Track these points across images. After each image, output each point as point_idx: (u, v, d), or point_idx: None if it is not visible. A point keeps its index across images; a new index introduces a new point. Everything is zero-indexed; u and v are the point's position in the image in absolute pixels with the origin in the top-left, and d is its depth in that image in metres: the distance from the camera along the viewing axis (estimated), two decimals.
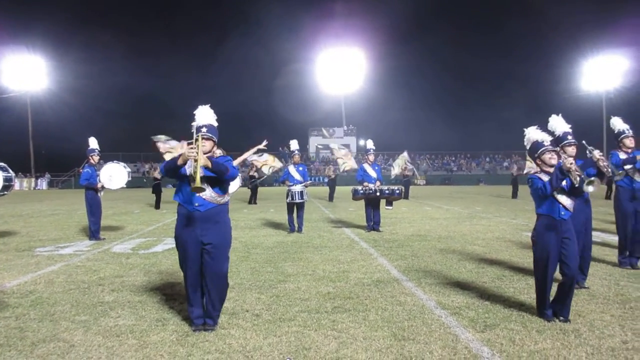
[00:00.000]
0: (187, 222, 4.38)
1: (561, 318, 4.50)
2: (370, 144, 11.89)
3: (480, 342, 4.01)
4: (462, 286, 5.86)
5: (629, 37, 59.61)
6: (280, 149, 60.88)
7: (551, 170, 4.57)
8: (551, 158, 4.62)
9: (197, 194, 4.23)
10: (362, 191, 11.29)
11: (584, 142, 6.05)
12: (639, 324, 4.38)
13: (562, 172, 4.39)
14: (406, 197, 23.25)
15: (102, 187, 10.53)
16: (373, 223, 11.41)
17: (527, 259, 7.49)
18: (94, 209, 10.43)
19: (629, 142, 6.91)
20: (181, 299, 5.38)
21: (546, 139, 4.73)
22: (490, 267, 6.98)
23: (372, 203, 11.35)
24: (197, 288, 4.45)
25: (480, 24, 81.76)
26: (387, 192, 11.37)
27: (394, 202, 12.07)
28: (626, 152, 6.93)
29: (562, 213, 4.54)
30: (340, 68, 62.36)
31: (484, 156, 62.97)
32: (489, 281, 6.10)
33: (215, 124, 4.61)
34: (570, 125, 5.70)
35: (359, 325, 4.44)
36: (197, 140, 4.26)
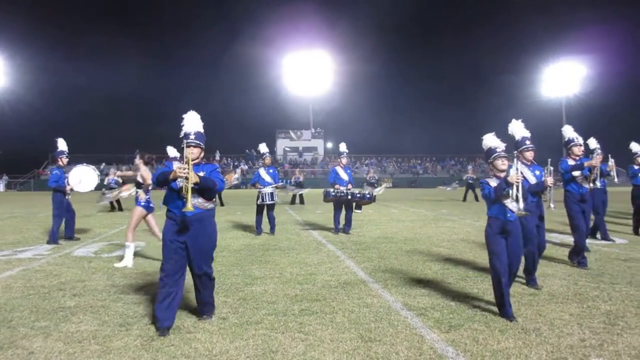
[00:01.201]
0: (175, 226, 4.56)
1: (511, 312, 4.73)
2: (342, 147, 11.98)
3: (445, 342, 4.07)
4: (427, 287, 5.95)
5: (587, 45, 61.84)
6: (247, 151, 60.61)
7: (502, 175, 4.91)
8: (502, 164, 4.95)
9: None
10: (333, 193, 11.37)
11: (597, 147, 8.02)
12: (596, 322, 4.53)
13: (507, 183, 4.76)
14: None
15: (71, 189, 10.42)
16: (344, 224, 11.50)
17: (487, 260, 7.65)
18: (61, 212, 10.30)
19: (577, 150, 7.33)
20: (146, 302, 5.29)
21: (500, 146, 5.02)
22: (455, 268, 7.10)
23: (343, 205, 11.47)
24: (172, 287, 4.47)
25: (447, 30, 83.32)
26: (358, 195, 11.50)
27: (363, 207, 12.17)
28: (574, 159, 7.34)
29: (509, 215, 4.85)
30: (308, 71, 62.55)
31: (449, 159, 64.12)
32: (453, 282, 6.21)
33: (202, 129, 4.80)
34: (529, 131, 6.10)
35: (326, 328, 4.45)
36: (187, 161, 4.40)
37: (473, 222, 13.99)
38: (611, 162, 8.90)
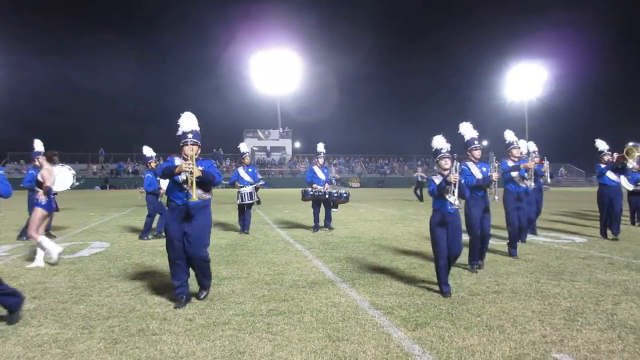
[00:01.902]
0: (177, 213, 5.23)
1: (447, 289, 5.61)
2: (320, 148, 12.19)
3: (412, 340, 4.12)
4: (394, 286, 6.01)
5: (549, 49, 63.68)
6: (215, 150, 59.94)
7: (445, 173, 5.66)
8: (445, 163, 5.71)
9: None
10: (311, 192, 11.69)
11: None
12: (557, 319, 4.67)
13: (446, 182, 5.54)
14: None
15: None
16: (325, 220, 11.95)
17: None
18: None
19: (516, 152, 8.13)
20: (110, 305, 5.18)
21: (445, 147, 5.78)
22: (421, 267, 7.20)
23: (321, 203, 11.83)
24: (179, 265, 5.24)
25: (415, 32, 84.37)
26: (335, 195, 11.78)
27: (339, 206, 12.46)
28: (513, 161, 8.08)
29: (449, 207, 5.60)
30: (275, 70, 62.25)
31: (416, 159, 64.95)
32: (420, 281, 6.29)
33: (198, 128, 5.38)
34: (477, 132, 6.88)
35: (293, 328, 4.45)
36: (191, 157, 5.10)
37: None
38: (546, 164, 10.24)
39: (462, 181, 5.81)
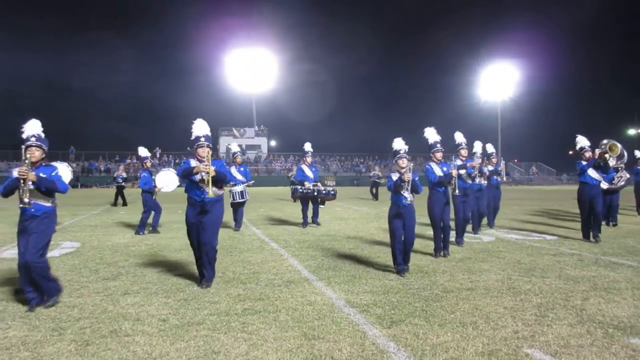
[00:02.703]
0: (195, 208, 5.99)
1: (407, 267, 6.68)
2: (308, 147, 12.62)
3: (387, 337, 4.15)
4: (370, 284, 6.03)
5: (521, 49, 64.84)
6: (189, 148, 59.34)
7: (402, 171, 6.49)
8: (402, 163, 6.61)
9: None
10: (301, 190, 12.21)
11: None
12: (528, 315, 4.75)
13: (401, 180, 6.42)
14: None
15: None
16: (312, 216, 12.48)
17: (430, 257, 7.87)
18: None
19: (464, 152, 9.14)
20: (80, 306, 5.08)
21: (403, 147, 6.69)
22: None
23: (310, 200, 12.38)
24: (197, 252, 6.08)
25: (390, 31, 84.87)
26: (323, 192, 12.41)
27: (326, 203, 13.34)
28: (461, 160, 9.03)
29: (404, 201, 6.44)
30: (251, 68, 61.86)
31: (391, 158, 65.41)
32: (395, 279, 6.33)
33: (209, 132, 6.14)
34: (440, 136, 7.98)
35: (269, 327, 4.43)
36: (207, 159, 5.85)
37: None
38: (502, 164, 11.54)
39: (416, 179, 6.54)
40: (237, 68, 62.38)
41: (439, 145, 7.96)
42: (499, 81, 66.60)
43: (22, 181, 4.83)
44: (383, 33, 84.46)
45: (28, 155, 4.94)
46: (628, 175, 12.91)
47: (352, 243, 9.53)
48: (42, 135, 5.16)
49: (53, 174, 5.08)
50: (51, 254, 8.21)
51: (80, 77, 64.71)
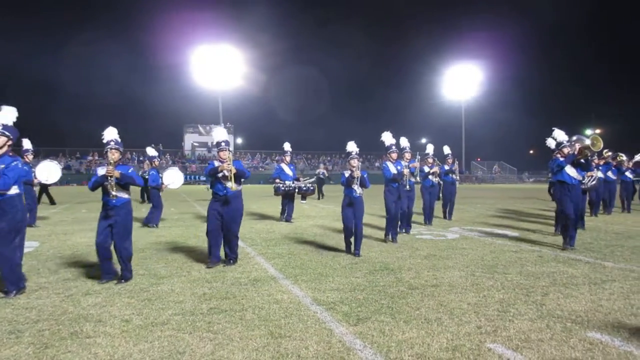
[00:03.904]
0: (219, 201, 7.08)
1: (356, 252, 7.83)
2: (287, 147, 13.61)
3: (353, 335, 4.17)
4: (336, 282, 6.05)
5: (484, 51, 66.24)
6: (153, 145, 58.31)
7: (353, 169, 7.88)
8: (353, 162, 7.94)
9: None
10: (282, 188, 13.07)
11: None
12: (491, 310, 4.86)
13: (352, 176, 7.87)
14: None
15: (39, 182, 11.98)
16: (286, 215, 13.19)
17: (396, 254, 7.95)
18: (30, 202, 11.67)
19: (408, 156, 10.07)
20: (39, 307, 4.93)
21: (355, 150, 8.05)
22: (363, 262, 7.30)
23: (289, 197, 13.23)
24: (216, 242, 7.09)
25: (358, 30, 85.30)
26: (304, 188, 13.75)
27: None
28: (406, 161, 10.00)
29: (354, 194, 7.88)
30: (217, 64, 61.08)
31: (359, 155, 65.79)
32: (361, 276, 6.37)
33: (228, 138, 7.24)
34: (394, 140, 9.37)
35: (235, 326, 4.39)
36: (229, 160, 6.94)
37: (382, 217, 14.42)
38: (456, 164, 13.44)
39: (365, 175, 8.01)
40: (203, 64, 61.53)
41: (394, 147, 9.33)
42: (462, 81, 67.89)
43: (108, 178, 5.85)
44: (349, 32, 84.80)
45: (110, 157, 5.96)
46: (599, 175, 13.12)
47: (319, 241, 9.54)
48: (119, 139, 6.19)
49: (129, 171, 6.15)
50: None
51: (39, 70, 62.56)
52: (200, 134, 62.94)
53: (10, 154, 5.47)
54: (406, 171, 9.48)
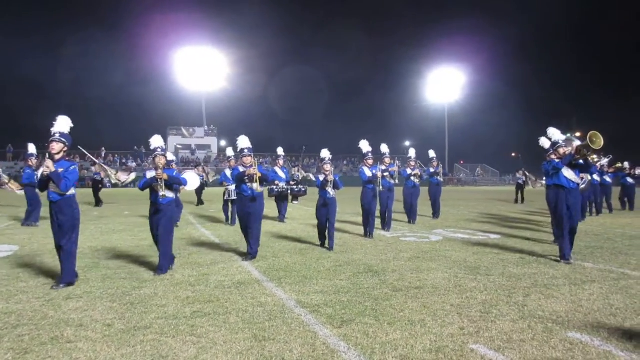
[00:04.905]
0: (245, 200, 7.92)
1: (327, 247, 8.76)
2: (280, 151, 14.68)
3: (338, 337, 4.17)
4: (320, 285, 6.06)
5: (468, 54, 66.97)
6: (136, 147, 57.70)
7: (327, 173, 8.88)
8: (327, 167, 8.97)
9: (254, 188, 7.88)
10: (276, 190, 13.66)
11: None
12: (474, 311, 4.90)
13: (326, 180, 8.81)
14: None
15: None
16: (280, 215, 13.85)
17: (380, 256, 7.98)
18: (34, 202, 12.84)
19: (388, 160, 11.52)
20: (18, 312, 4.85)
21: (328, 156, 9.14)
22: (347, 265, 7.31)
23: (282, 199, 13.90)
24: (244, 231, 8.06)
25: (341, 32, 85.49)
26: (296, 190, 14.14)
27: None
28: (385, 165, 11.38)
29: (328, 196, 8.83)
30: (200, 67, 60.72)
31: (342, 159, 65.91)
32: (345, 279, 6.38)
33: (250, 144, 8.11)
34: (371, 148, 10.58)
35: (219, 329, 4.37)
36: (254, 165, 7.92)
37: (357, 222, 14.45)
38: (440, 167, 15.10)
39: (337, 179, 8.95)
40: (187, 66, 61.15)
41: (370, 154, 10.58)
42: (445, 85, 68.47)
43: (158, 180, 6.67)
44: (333, 34, 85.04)
45: (157, 162, 6.77)
46: (590, 178, 13.23)
47: (303, 243, 9.53)
48: (164, 146, 7.09)
49: (174, 173, 7.11)
50: None
51: (23, 70, 61.51)
52: (183, 137, 62.39)
53: (67, 158, 6.17)
54: (379, 174, 10.52)
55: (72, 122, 6.16)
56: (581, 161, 7.56)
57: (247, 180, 7.84)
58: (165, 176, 6.75)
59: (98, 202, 20.10)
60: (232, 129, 66.27)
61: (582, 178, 10.57)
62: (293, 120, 73.30)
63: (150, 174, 6.86)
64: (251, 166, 7.92)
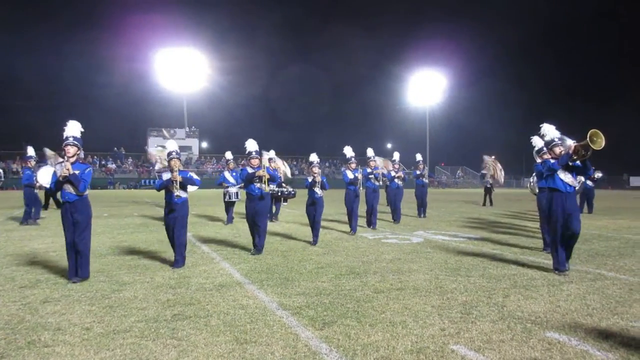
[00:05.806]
0: (253, 200, 8.46)
1: (314, 241, 9.74)
2: (272, 154, 15.22)
3: (319, 339, 4.18)
4: (302, 286, 6.05)
5: (449, 57, 67.63)
6: (116, 149, 57.01)
7: (315, 175, 9.89)
8: (314, 170, 9.95)
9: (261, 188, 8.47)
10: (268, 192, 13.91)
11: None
12: (454, 312, 4.94)
13: (314, 181, 9.82)
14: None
15: (40, 185, 13.05)
16: (273, 214, 14.48)
17: (362, 258, 8.01)
18: (31, 202, 13.31)
19: (373, 164, 12.78)
20: None
21: (316, 159, 10.06)
22: (329, 267, 7.31)
23: (273, 199, 14.33)
24: (252, 227, 8.56)
25: (324, 35, 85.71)
26: (286, 192, 14.34)
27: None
28: (371, 168, 12.56)
29: (316, 195, 9.86)
30: (181, 67, 60.17)
31: (324, 160, 65.97)
32: (327, 280, 6.38)
33: (258, 147, 8.83)
34: (354, 153, 11.61)
35: (200, 332, 4.34)
36: (263, 166, 8.59)
37: (344, 221, 14.49)
38: (426, 169, 16.77)
39: (324, 179, 10.00)
40: (168, 67, 60.55)
41: (353, 158, 11.58)
42: (426, 88, 69.02)
43: (174, 182, 7.18)
44: (315, 37, 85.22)
45: (173, 164, 7.23)
46: (583, 179, 13.32)
47: (285, 245, 9.52)
48: (178, 150, 7.55)
49: (188, 175, 7.45)
50: None
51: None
52: (164, 138, 61.66)
53: (80, 160, 6.58)
54: (360, 176, 11.55)
55: (52, 123, 6.31)
56: (579, 163, 6.68)
57: (256, 181, 8.40)
58: (179, 178, 7.23)
59: (46, 206, 18.52)
60: (214, 130, 66.01)
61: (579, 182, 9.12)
62: (275, 122, 73.19)
63: (166, 176, 7.35)
64: (259, 168, 8.49)
